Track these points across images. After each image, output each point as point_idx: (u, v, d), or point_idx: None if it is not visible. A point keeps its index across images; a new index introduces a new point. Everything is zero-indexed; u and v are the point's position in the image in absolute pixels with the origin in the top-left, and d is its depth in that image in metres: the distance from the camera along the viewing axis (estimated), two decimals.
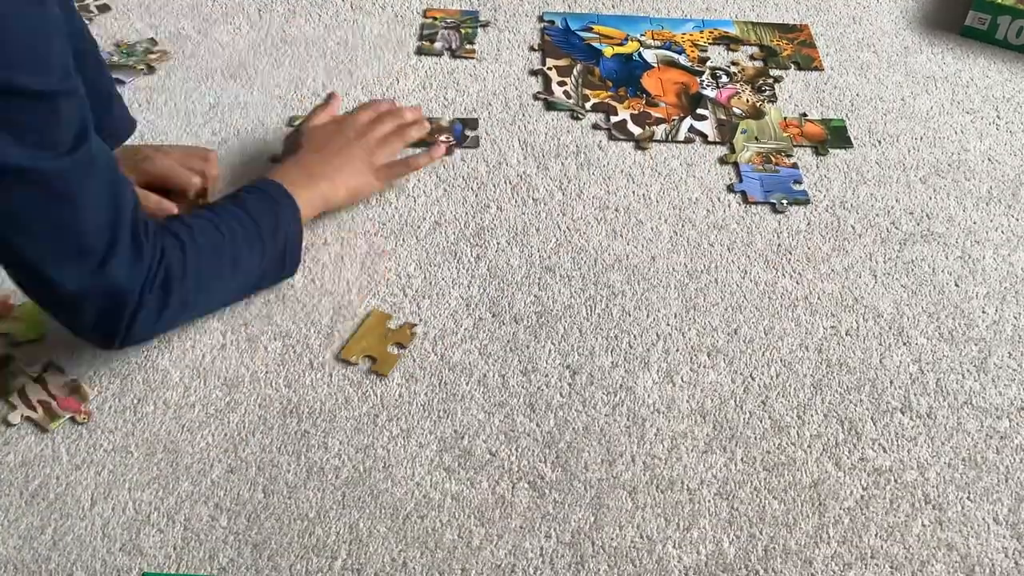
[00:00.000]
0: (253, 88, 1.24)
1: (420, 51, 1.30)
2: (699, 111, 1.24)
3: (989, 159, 1.20)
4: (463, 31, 1.33)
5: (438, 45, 1.31)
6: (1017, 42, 1.35)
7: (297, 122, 1.16)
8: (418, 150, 1.13)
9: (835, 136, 1.22)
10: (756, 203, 1.13)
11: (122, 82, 1.21)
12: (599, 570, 0.82)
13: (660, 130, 1.21)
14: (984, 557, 0.84)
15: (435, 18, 1.35)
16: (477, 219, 1.10)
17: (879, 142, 1.22)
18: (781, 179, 1.16)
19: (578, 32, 1.35)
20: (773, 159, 1.18)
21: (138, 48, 1.27)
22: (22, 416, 0.90)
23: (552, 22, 1.37)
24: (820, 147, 1.20)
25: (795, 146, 1.20)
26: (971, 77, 1.32)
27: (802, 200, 1.14)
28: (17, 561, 0.80)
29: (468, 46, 1.31)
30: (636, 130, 1.22)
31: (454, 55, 1.30)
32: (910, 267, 1.07)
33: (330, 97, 1.16)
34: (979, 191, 1.16)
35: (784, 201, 1.13)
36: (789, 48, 1.35)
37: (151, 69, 1.25)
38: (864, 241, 1.09)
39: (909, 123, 1.24)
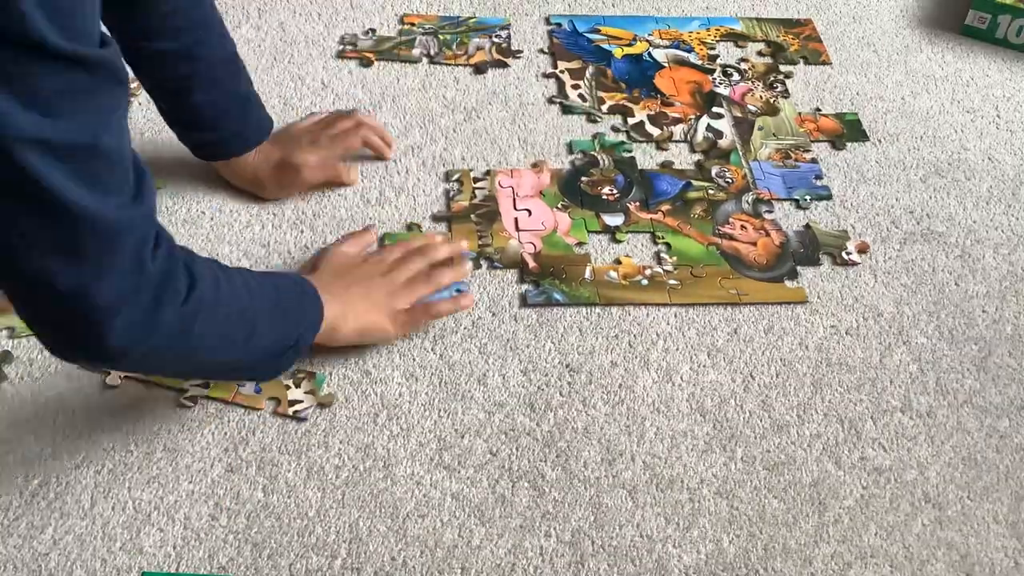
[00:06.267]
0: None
1: (398, 58, 1.28)
2: (715, 109, 1.23)
3: (989, 158, 1.20)
4: (440, 37, 1.31)
5: (416, 52, 1.28)
6: (1017, 41, 1.35)
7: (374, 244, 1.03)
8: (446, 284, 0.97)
9: (851, 130, 1.22)
10: (779, 200, 1.12)
11: None
12: (599, 569, 0.82)
13: (678, 130, 1.20)
14: (984, 556, 0.84)
15: (412, 24, 1.33)
16: None
17: (879, 141, 1.22)
18: (802, 174, 1.15)
19: (586, 34, 1.34)
20: (792, 155, 1.18)
21: None
22: None
23: (559, 24, 1.35)
24: (837, 141, 1.20)
25: (812, 141, 1.20)
26: (971, 76, 1.32)
27: (825, 195, 1.13)
28: (17, 561, 0.80)
29: (447, 51, 1.29)
30: (654, 131, 1.20)
31: (432, 61, 1.28)
32: (910, 266, 1.07)
33: (367, 229, 1.03)
34: (979, 190, 1.16)
35: (808, 197, 1.12)
36: (796, 43, 1.35)
37: None
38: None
39: (909, 122, 1.24)
